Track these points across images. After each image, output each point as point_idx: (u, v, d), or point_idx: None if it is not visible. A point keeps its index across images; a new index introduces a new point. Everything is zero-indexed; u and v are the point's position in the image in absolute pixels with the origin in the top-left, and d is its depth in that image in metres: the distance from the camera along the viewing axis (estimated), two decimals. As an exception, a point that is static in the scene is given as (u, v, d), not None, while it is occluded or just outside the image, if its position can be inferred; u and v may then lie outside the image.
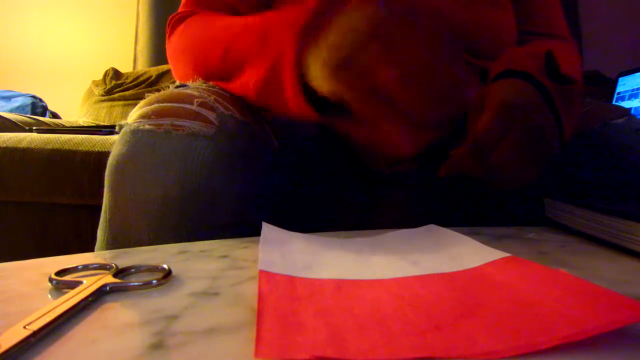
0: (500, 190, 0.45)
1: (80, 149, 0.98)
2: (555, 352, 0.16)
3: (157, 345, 0.17)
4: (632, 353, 0.16)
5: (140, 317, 0.20)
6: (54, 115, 1.74)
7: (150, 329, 0.18)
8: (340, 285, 0.24)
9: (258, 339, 0.17)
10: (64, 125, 1.42)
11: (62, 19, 1.71)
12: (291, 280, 0.24)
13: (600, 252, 0.33)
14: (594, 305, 0.19)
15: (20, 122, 1.31)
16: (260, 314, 0.19)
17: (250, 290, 0.24)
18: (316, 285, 0.24)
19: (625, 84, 1.34)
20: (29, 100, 1.64)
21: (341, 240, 0.35)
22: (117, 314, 0.20)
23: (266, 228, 0.35)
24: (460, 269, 0.27)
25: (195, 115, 0.41)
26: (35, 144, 0.98)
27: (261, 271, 0.24)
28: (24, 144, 0.98)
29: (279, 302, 0.21)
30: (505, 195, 0.48)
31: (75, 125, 1.48)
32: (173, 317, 0.20)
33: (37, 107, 1.66)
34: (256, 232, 0.40)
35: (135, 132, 0.39)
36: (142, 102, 0.41)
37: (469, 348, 0.17)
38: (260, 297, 0.21)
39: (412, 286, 0.24)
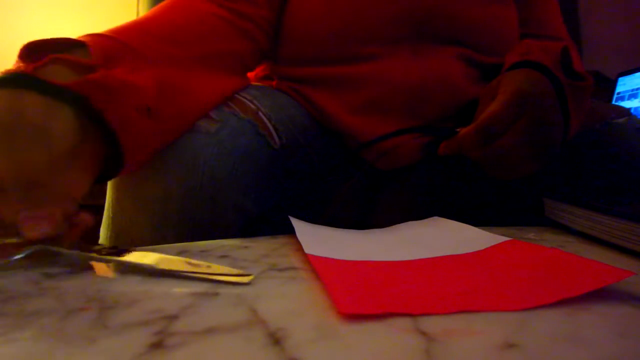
0: (496, 178, 0.45)
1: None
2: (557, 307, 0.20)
3: (157, 345, 0.17)
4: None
5: (140, 317, 0.20)
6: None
7: (150, 329, 0.18)
8: (377, 265, 0.28)
9: (336, 299, 0.20)
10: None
11: (61, 18, 1.70)
12: (336, 261, 0.28)
13: (600, 252, 0.33)
14: (584, 271, 0.25)
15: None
16: (327, 282, 0.23)
17: (250, 290, 0.23)
18: (359, 265, 0.27)
19: (625, 84, 1.34)
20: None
21: (360, 232, 0.39)
22: (117, 314, 0.20)
23: (295, 221, 0.37)
24: (471, 251, 0.30)
25: None
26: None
27: (309, 255, 0.28)
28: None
29: (337, 274, 0.25)
30: (501, 186, 0.48)
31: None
32: (173, 317, 0.20)
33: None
34: (257, 231, 0.40)
35: None
36: None
37: (497, 304, 0.21)
38: (320, 271, 0.25)
39: (436, 265, 0.28)
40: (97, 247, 0.28)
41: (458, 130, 0.42)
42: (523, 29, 0.59)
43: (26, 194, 0.26)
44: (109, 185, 0.41)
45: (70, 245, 0.28)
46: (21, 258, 0.26)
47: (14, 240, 0.26)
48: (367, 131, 0.50)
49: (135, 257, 0.27)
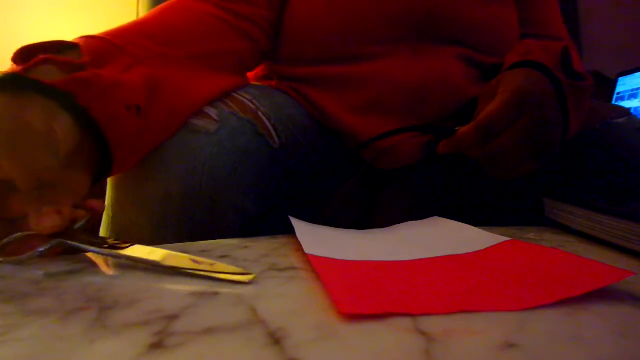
0: (496, 178, 0.45)
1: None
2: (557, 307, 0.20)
3: (157, 345, 0.17)
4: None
5: (140, 317, 0.20)
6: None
7: (150, 329, 0.18)
8: (377, 265, 0.28)
9: (336, 299, 0.20)
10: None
11: (61, 18, 1.70)
12: (336, 261, 0.28)
13: (600, 252, 0.33)
14: (584, 271, 0.25)
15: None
16: (327, 282, 0.23)
17: (250, 290, 0.24)
18: (359, 265, 0.27)
19: (625, 84, 1.34)
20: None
21: (360, 232, 0.39)
22: (117, 314, 0.20)
23: (295, 221, 0.37)
24: (471, 251, 0.30)
25: (197, 112, 0.42)
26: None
27: (309, 255, 0.28)
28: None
29: (337, 274, 0.25)
30: (501, 186, 0.48)
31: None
32: (173, 317, 0.20)
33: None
34: (257, 231, 0.40)
35: None
36: None
37: (497, 304, 0.21)
38: (320, 271, 0.25)
39: (436, 265, 0.28)
40: (110, 242, 0.28)
41: (457, 128, 0.42)
42: (523, 29, 0.59)
43: (38, 193, 0.28)
44: (109, 185, 0.41)
45: (88, 240, 0.29)
46: (41, 252, 0.27)
47: (31, 234, 0.28)
48: (367, 131, 0.50)
49: (143, 253, 0.27)
